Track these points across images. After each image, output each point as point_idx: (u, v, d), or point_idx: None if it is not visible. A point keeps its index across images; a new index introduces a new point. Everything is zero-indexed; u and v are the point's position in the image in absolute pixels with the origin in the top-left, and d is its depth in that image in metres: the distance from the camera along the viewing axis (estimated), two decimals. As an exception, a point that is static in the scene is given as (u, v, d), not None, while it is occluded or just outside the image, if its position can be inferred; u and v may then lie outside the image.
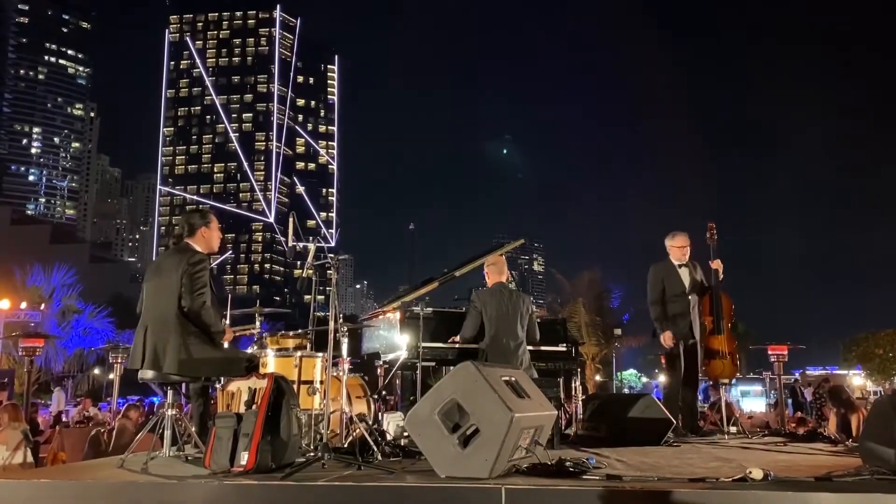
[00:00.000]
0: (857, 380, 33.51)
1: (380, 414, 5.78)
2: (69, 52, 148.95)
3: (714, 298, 6.42)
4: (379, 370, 6.81)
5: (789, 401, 15.25)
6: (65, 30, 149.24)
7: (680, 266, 6.60)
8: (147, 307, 4.52)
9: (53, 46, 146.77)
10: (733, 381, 6.77)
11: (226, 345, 4.76)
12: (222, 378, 4.85)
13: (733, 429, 6.41)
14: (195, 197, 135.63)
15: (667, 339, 6.38)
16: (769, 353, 8.47)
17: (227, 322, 5.33)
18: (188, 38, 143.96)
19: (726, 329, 6.42)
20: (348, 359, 5.55)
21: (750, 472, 3.29)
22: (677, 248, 6.64)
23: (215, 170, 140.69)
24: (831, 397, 9.07)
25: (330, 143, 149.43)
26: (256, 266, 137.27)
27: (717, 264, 6.46)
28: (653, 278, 6.62)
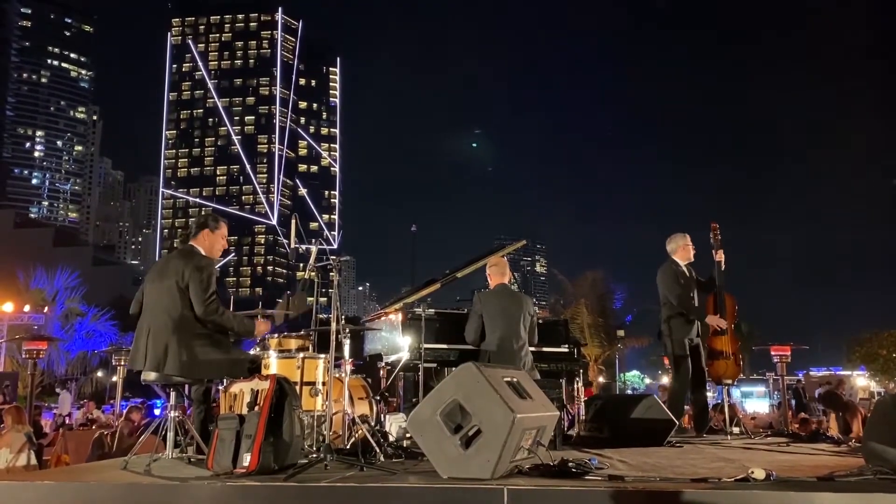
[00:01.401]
0: (861, 380, 33.44)
1: (382, 415, 5.78)
2: (71, 55, 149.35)
3: (718, 298, 6.42)
4: (381, 371, 6.82)
5: (793, 401, 15.22)
6: (67, 33, 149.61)
7: (685, 266, 6.60)
8: (149, 309, 4.51)
9: (56, 50, 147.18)
10: (736, 381, 6.74)
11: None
12: (224, 380, 4.85)
13: (736, 429, 6.41)
14: (198, 199, 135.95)
15: (715, 320, 6.31)
16: (772, 353, 8.44)
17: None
18: (190, 41, 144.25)
19: (729, 329, 6.42)
20: (350, 360, 5.55)
21: (752, 472, 3.28)
22: (689, 246, 6.62)
23: (218, 172, 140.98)
24: (826, 402, 9.04)
25: (332, 145, 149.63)
26: (259, 268, 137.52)
27: (720, 255, 6.43)
28: (669, 278, 6.49)
